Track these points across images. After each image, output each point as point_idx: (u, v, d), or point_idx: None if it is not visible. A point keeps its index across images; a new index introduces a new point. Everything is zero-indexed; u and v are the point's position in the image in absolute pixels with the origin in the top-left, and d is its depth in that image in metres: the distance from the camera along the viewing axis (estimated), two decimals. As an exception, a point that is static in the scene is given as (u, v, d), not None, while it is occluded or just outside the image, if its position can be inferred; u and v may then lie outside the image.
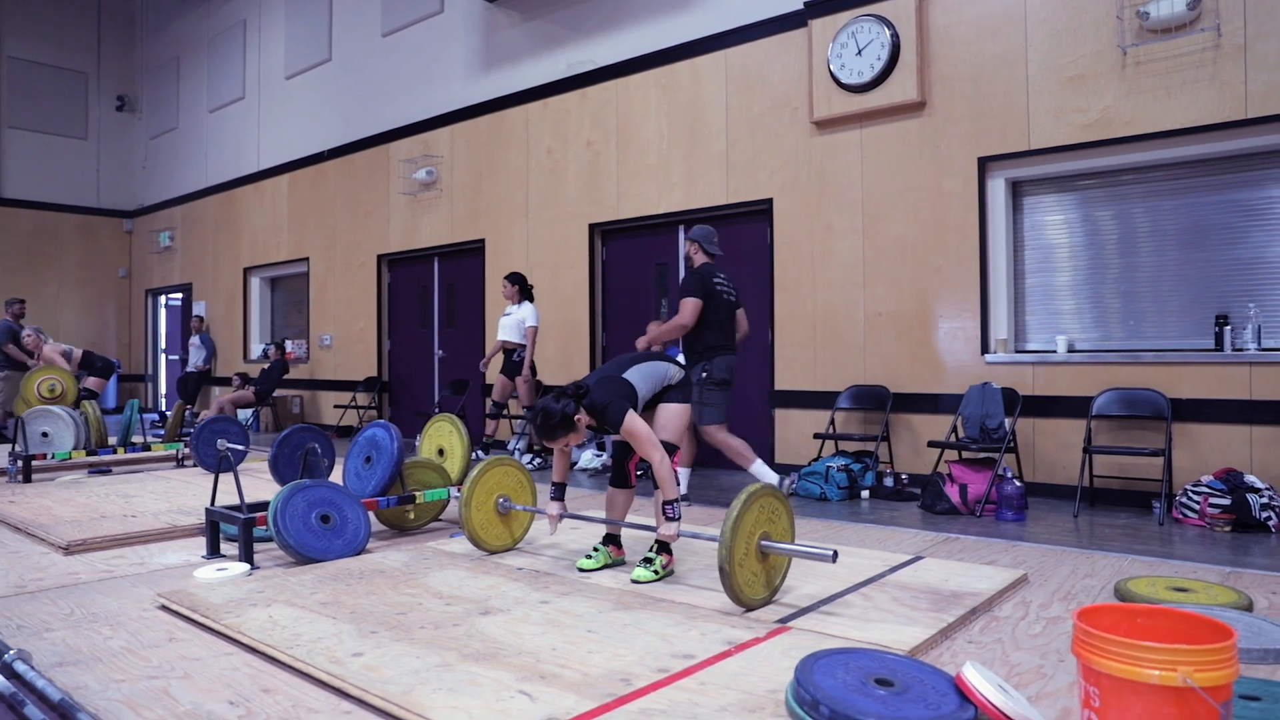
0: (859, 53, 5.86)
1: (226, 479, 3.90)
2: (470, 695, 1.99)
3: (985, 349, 5.51)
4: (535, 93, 8.10)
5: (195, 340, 11.83)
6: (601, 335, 7.68)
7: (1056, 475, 5.22)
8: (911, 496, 5.27)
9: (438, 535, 4.10)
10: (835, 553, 2.66)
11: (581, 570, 3.25)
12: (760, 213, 6.58)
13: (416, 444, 5.76)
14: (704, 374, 4.99)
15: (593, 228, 7.64)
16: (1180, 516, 4.49)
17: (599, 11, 7.64)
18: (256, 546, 3.56)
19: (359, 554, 3.55)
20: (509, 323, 6.97)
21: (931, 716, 1.75)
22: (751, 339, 6.64)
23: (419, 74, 9.35)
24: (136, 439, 6.86)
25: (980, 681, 1.79)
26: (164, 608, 2.82)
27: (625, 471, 3.38)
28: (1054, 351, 5.34)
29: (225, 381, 11.56)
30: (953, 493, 4.82)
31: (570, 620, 2.59)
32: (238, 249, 11.96)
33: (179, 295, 13.68)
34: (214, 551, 3.67)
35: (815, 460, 5.65)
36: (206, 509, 3.71)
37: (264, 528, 3.52)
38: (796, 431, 6.25)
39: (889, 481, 5.37)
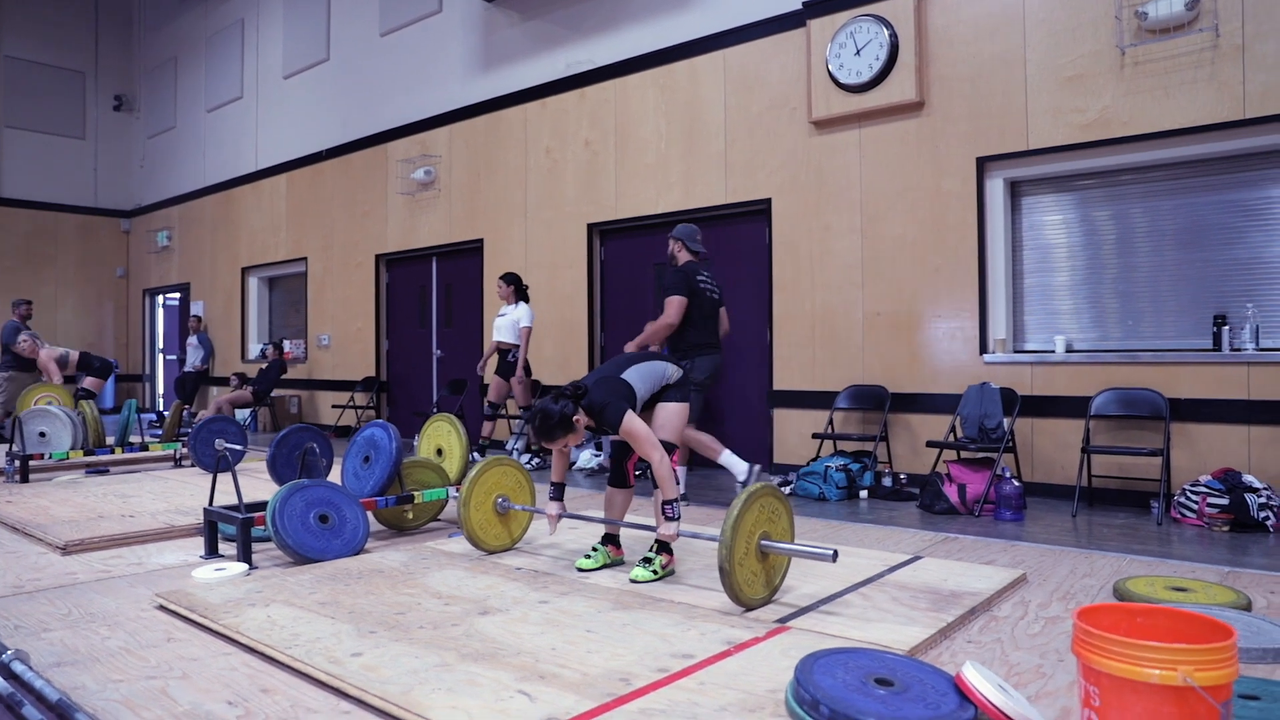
0: (857, 53, 5.86)
1: (224, 479, 3.89)
2: (469, 695, 1.99)
3: (984, 349, 5.52)
4: (534, 92, 8.10)
5: (193, 340, 11.82)
6: (600, 335, 7.67)
7: (1055, 475, 5.22)
8: (910, 496, 5.27)
9: (436, 535, 4.10)
10: (835, 552, 2.65)
11: (580, 570, 3.25)
12: (759, 213, 6.58)
13: (415, 444, 5.76)
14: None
15: (591, 228, 7.63)
16: (1178, 516, 4.49)
17: (597, 11, 7.64)
18: (255, 546, 3.55)
19: (357, 554, 3.55)
20: (504, 323, 6.96)
21: (931, 716, 1.75)
22: (750, 339, 6.65)
23: (417, 74, 9.35)
24: (134, 439, 6.85)
25: (980, 681, 1.79)
26: (162, 608, 2.82)
27: (624, 471, 3.38)
28: (1052, 351, 5.35)
29: (223, 381, 11.55)
30: (951, 492, 4.83)
31: (569, 620, 2.59)
32: (236, 249, 11.94)
33: (177, 295, 13.66)
34: (212, 551, 3.67)
35: (814, 460, 5.65)
36: (204, 509, 3.70)
37: (262, 528, 3.52)
38: (795, 431, 6.25)
39: (887, 481, 5.37)
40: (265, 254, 11.43)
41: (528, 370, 7.00)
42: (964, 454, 5.17)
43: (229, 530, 3.65)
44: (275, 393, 10.33)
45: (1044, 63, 5.27)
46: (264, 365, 10.24)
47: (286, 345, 11.02)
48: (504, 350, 6.96)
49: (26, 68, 13.36)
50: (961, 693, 1.82)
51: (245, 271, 11.84)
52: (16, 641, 2.47)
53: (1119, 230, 5.26)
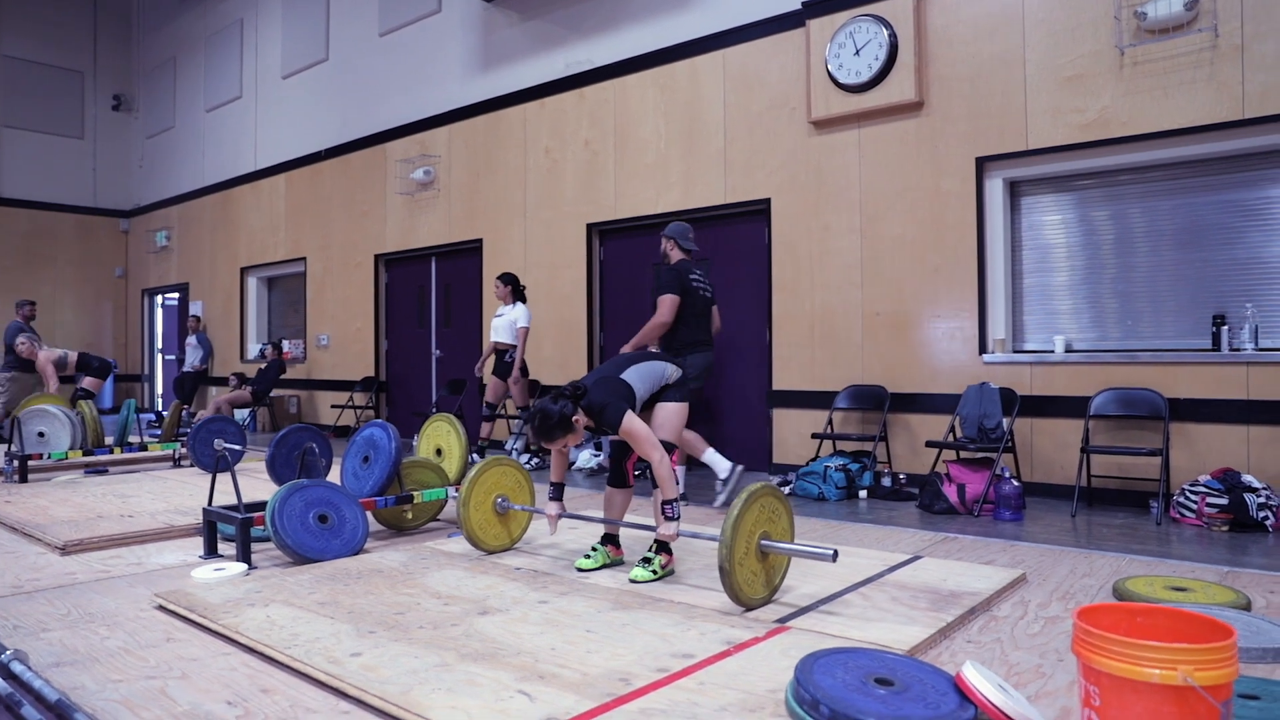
0: (857, 53, 5.86)
1: (224, 479, 3.89)
2: (469, 695, 1.99)
3: (983, 349, 5.52)
4: (533, 92, 8.10)
5: (192, 340, 11.81)
6: (599, 335, 7.67)
7: (1054, 475, 5.23)
8: (909, 496, 5.27)
9: (436, 535, 4.10)
10: (835, 552, 2.65)
11: (580, 570, 3.25)
12: (758, 212, 6.58)
13: (414, 444, 5.76)
14: None
15: (590, 227, 7.63)
16: (1178, 516, 4.50)
17: (597, 11, 7.64)
18: (254, 546, 3.55)
19: (357, 554, 3.55)
20: (501, 324, 6.95)
21: (931, 716, 1.75)
22: (750, 339, 6.65)
23: (416, 74, 9.34)
24: (133, 439, 6.84)
25: (980, 681, 1.79)
26: (161, 608, 2.82)
27: (623, 471, 3.37)
28: (1051, 351, 5.35)
29: (222, 381, 11.54)
30: (951, 492, 4.83)
31: (569, 620, 2.59)
32: (235, 249, 11.94)
33: (175, 295, 13.65)
34: (211, 551, 3.66)
35: (813, 460, 5.65)
36: (204, 509, 3.70)
37: (261, 528, 3.52)
38: (794, 431, 6.25)
39: (887, 481, 5.37)
40: (264, 254, 11.42)
41: (525, 370, 7.00)
42: (963, 454, 5.17)
43: (228, 530, 3.65)
44: (274, 393, 10.33)
45: (1043, 63, 5.27)
46: (263, 365, 10.23)
47: (285, 345, 11.01)
48: (501, 350, 6.95)
49: (25, 67, 13.35)
50: (961, 692, 1.82)
51: (244, 271, 11.83)
52: (15, 641, 2.46)
53: (1118, 230, 5.27)
